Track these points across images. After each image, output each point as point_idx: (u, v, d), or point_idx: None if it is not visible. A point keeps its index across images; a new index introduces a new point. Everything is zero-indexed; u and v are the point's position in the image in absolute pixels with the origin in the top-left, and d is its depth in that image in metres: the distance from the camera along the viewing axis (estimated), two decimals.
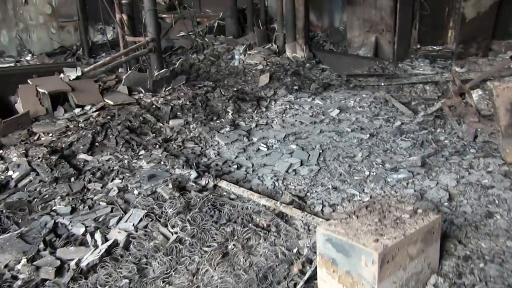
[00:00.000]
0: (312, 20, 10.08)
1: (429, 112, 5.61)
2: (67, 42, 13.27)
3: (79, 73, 6.24)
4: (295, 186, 4.06)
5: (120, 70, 8.00)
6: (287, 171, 4.36)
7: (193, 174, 4.18)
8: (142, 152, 4.92)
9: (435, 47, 8.31)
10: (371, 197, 3.76)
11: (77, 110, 5.97)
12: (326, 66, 7.70)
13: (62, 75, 6.23)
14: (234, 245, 3.16)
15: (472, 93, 5.31)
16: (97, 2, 12.41)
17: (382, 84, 7.09)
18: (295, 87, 7.18)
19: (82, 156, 4.78)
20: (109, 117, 5.78)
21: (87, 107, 6.03)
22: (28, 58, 11.31)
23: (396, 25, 8.05)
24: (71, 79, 6.17)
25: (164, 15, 11.93)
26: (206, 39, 9.35)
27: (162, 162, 4.60)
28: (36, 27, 12.92)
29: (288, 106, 6.47)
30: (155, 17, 7.04)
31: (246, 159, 4.78)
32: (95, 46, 12.42)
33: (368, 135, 5.14)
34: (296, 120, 5.88)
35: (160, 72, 6.94)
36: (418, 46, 8.38)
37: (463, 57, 7.69)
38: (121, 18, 7.50)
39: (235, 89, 6.92)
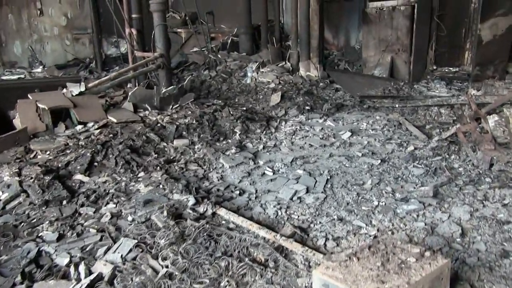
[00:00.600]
0: (328, 38, 9.91)
1: (443, 137, 5.35)
2: (81, 54, 13.35)
3: (83, 89, 6.14)
4: (298, 216, 3.83)
5: (129, 85, 7.93)
6: (291, 199, 4.14)
7: (191, 200, 3.98)
8: (142, 174, 4.75)
9: (451, 68, 8.06)
10: (378, 230, 3.52)
11: (79, 127, 5.86)
12: (339, 86, 7.49)
13: (65, 90, 6.14)
14: (227, 281, 2.94)
15: (488, 118, 5.04)
16: (111, 15, 12.51)
17: (397, 105, 6.86)
18: (307, 107, 6.98)
19: (78, 176, 4.62)
20: (111, 135, 5.64)
21: (90, 124, 5.92)
22: (39, 70, 11.34)
23: (412, 45, 7.84)
24: (74, 94, 6.07)
25: (178, 30, 11.90)
26: (219, 55, 9.22)
27: (161, 186, 4.42)
28: (50, 38, 13.01)
29: (298, 127, 6.27)
30: (164, 33, 6.94)
31: (250, 184, 4.57)
32: (108, 59, 12.42)
33: (379, 161, 4.90)
34: (305, 143, 5.66)
35: (168, 89, 6.83)
36: (435, 67, 8.14)
37: (480, 80, 7.43)
38: (130, 32, 7.41)
39: (244, 108, 6.75)
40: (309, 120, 6.60)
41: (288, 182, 4.49)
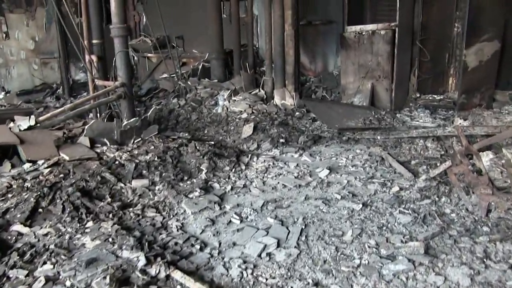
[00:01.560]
0: (305, 64, 9.50)
1: (431, 176, 4.88)
2: (50, 79, 12.80)
3: (32, 123, 5.55)
4: (267, 279, 3.28)
5: (90, 115, 7.37)
6: (259, 256, 3.59)
7: (142, 260, 3.41)
8: (90, 223, 4.16)
9: (435, 96, 7.68)
10: None
11: (27, 166, 5.25)
12: (315, 117, 7.00)
13: (12, 124, 5.54)
14: None
15: (481, 155, 4.60)
16: (79, 39, 11.98)
17: (378, 137, 6.40)
18: (281, 140, 6.48)
19: (16, 227, 4.02)
20: (61, 175, 5.06)
21: (40, 162, 5.31)
22: (0, 96, 10.70)
23: (393, 72, 7.45)
24: (22, 129, 5.46)
25: (149, 55, 11.40)
26: (188, 82, 8.71)
27: (110, 239, 3.84)
28: (16, 62, 12.42)
29: (271, 164, 5.76)
30: (126, 60, 6.42)
31: (214, 235, 4.02)
32: (76, 84, 11.85)
33: (360, 205, 4.40)
34: (278, 183, 5.14)
35: (129, 121, 6.26)
36: (418, 95, 7.74)
37: (466, 108, 7.04)
38: (90, 59, 6.87)
39: (213, 142, 6.21)
40: (284, 155, 6.09)
41: (257, 234, 3.95)
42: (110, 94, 6.44)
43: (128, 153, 5.70)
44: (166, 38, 12.40)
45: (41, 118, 5.65)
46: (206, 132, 7.25)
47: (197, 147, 5.87)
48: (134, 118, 6.35)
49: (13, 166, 5.34)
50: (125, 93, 6.42)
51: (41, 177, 5.00)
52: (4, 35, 12.28)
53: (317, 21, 8.89)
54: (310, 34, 9.28)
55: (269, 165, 5.72)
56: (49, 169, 5.19)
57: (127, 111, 6.54)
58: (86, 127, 5.94)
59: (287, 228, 4.02)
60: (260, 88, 8.23)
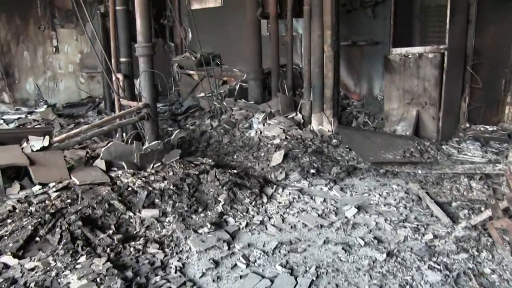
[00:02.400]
0: (349, 86, 9.02)
1: (472, 224, 4.28)
2: (96, 93, 13.09)
3: (46, 144, 5.42)
4: None
5: (117, 135, 7.22)
6: None
7: None
8: (83, 258, 3.89)
9: (488, 127, 6.96)
10: None
11: (36, 188, 5.13)
12: (350, 146, 6.49)
13: (25, 144, 5.43)
14: None
15: None
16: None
17: (419, 172, 5.82)
18: (312, 171, 6.04)
19: (4, 258, 3.82)
20: (69, 200, 4.89)
21: (51, 185, 5.18)
22: (42, 109, 10.85)
23: (441, 99, 6.83)
24: (35, 150, 5.33)
25: (191, 72, 11.28)
26: (224, 103, 8.44)
27: (98, 279, 3.55)
28: (64, 76, 12.75)
29: (297, 197, 5.34)
30: (150, 80, 6.23)
31: (213, 280, 3.65)
32: None
33: (385, 255, 3.89)
34: (299, 221, 4.71)
35: (151, 144, 6.04)
36: (468, 125, 7.06)
37: None
38: (117, 78, 6.73)
39: (235, 171, 5.85)
40: (312, 187, 5.65)
41: (260, 283, 3.53)
42: (133, 115, 6.25)
43: (143, 179, 5.46)
44: (210, 55, 12.38)
45: (55, 139, 5.51)
46: (235, 157, 6.92)
47: (217, 176, 5.53)
48: (156, 141, 6.12)
49: (22, 188, 5.24)
50: (148, 114, 6.22)
51: (47, 202, 4.85)
52: (54, 49, 12.61)
53: (362, 42, 8.41)
54: (355, 55, 8.80)
55: (293, 198, 5.30)
56: (57, 193, 5.03)
57: (150, 133, 6.33)
58: (103, 149, 5.76)
59: (296, 279, 3.58)
60: (298, 112, 7.83)
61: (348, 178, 5.89)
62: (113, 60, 6.87)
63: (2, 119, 10.57)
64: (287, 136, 7.16)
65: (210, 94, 8.94)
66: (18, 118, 10.29)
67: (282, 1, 8.23)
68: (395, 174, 5.91)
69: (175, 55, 13.15)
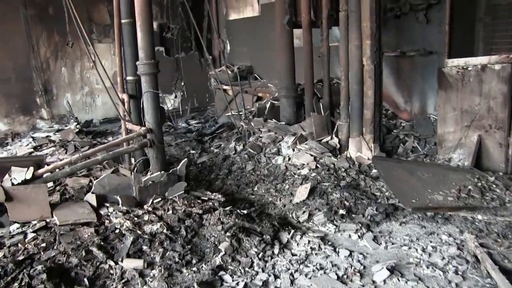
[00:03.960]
0: (399, 103, 7.86)
1: None
2: None
3: (29, 176, 4.71)
4: None
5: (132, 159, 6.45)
6: None
7: None
8: None
9: None
10: None
11: (14, 227, 4.53)
12: (387, 184, 5.32)
13: (7, 176, 4.74)
14: None
15: None
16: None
17: (479, 217, 4.63)
18: (342, 211, 4.99)
19: None
20: (44, 244, 4.23)
21: (34, 222, 4.53)
22: (72, 126, 10.37)
23: (511, 121, 5.57)
24: (16, 183, 4.63)
25: (225, 87, 10.46)
26: (252, 124, 7.51)
27: None
28: (101, 91, 12.27)
29: (317, 247, 4.33)
30: (154, 102, 5.43)
31: None
32: None
33: None
34: (311, 285, 3.68)
35: (152, 176, 5.25)
36: None
37: None
38: (122, 99, 5.97)
39: (245, 211, 4.91)
40: (339, 234, 4.61)
41: None
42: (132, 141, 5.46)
43: (136, 219, 4.68)
44: (251, 68, 11.55)
45: (40, 171, 4.79)
46: (255, 189, 6.00)
47: (221, 218, 4.60)
48: (158, 173, 5.28)
49: (1, 226, 4.58)
50: (151, 141, 5.40)
51: (19, 245, 4.18)
52: (92, 65, 12.22)
53: (413, 51, 7.26)
54: (405, 67, 7.66)
55: (312, 250, 4.30)
56: (33, 234, 4.36)
57: (154, 163, 5.53)
58: (95, 182, 4.99)
59: None
60: (333, 135, 6.77)
61: (386, 222, 4.80)
62: (118, 79, 6.12)
63: (32, 137, 10.20)
64: (318, 165, 6.13)
65: (238, 113, 8.05)
66: (46, 136, 9.85)
67: (316, 7, 7.23)
68: (447, 219, 4.74)
69: (214, 68, 12.41)
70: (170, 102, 12.02)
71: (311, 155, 6.34)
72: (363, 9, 5.95)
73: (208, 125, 10.73)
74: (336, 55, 7.04)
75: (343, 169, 6.03)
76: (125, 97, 5.94)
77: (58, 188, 5.95)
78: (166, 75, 11.78)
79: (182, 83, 12.16)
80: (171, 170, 5.42)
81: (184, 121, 11.34)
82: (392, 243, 4.36)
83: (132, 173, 5.27)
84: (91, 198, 4.91)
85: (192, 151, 7.88)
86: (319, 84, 7.87)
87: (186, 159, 5.60)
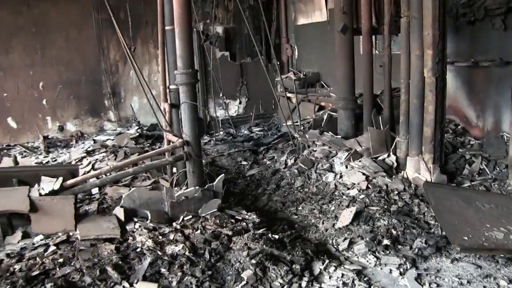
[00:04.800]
0: (470, 118, 7.15)
1: None
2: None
3: (57, 187, 4.68)
4: None
5: (174, 169, 6.32)
6: None
7: None
8: None
9: None
10: None
11: (38, 239, 4.53)
12: (436, 215, 4.71)
13: (36, 186, 4.75)
14: None
15: None
16: (220, 74, 11.34)
17: None
18: (386, 241, 4.51)
19: None
20: (61, 259, 4.15)
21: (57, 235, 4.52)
22: (132, 131, 10.51)
23: None
24: (43, 193, 4.62)
25: (290, 94, 10.14)
26: (306, 136, 7.14)
27: None
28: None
29: (350, 283, 3.92)
30: (192, 113, 5.24)
31: None
32: (215, 122, 11.14)
33: None
34: None
35: (185, 191, 5.07)
36: None
37: None
38: (164, 108, 5.85)
39: (277, 236, 4.56)
40: (379, 268, 4.16)
41: None
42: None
43: (160, 237, 4.49)
44: (318, 75, 11.13)
45: (69, 182, 4.75)
46: (300, 208, 5.63)
47: (248, 243, 4.30)
48: (192, 188, 5.09)
49: (27, 236, 4.61)
50: (188, 154, 5.21)
51: (37, 259, 4.15)
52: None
53: (488, 61, 6.51)
54: (478, 79, 6.93)
55: (344, 285, 3.87)
56: (53, 248, 4.34)
57: (191, 177, 5.34)
58: (124, 195, 4.89)
59: None
60: (391, 152, 6.24)
61: (436, 257, 4.27)
62: (161, 88, 6.01)
63: (94, 139, 10.47)
64: (369, 186, 5.66)
65: (293, 123, 7.70)
66: (107, 140, 10.05)
67: (379, 12, 6.73)
68: (510, 259, 4.12)
69: (280, 74, 12.09)
70: (234, 108, 11.89)
71: (364, 174, 5.87)
72: (425, 16, 5.39)
73: (270, 133, 10.47)
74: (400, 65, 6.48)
75: (396, 192, 5.50)
76: (166, 106, 5.82)
77: (98, 196, 5.97)
78: (230, 81, 11.65)
79: (246, 89, 11.97)
80: (206, 186, 5.21)
81: (247, 128, 11.15)
82: (438, 285, 3.84)
83: (165, 187, 5.11)
84: (119, 212, 4.81)
85: (243, 162, 7.65)
86: (381, 95, 7.33)
87: (223, 174, 5.36)
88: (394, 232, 4.67)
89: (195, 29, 10.96)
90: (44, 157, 9.52)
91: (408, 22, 5.78)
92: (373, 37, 7.29)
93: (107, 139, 10.04)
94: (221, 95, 11.41)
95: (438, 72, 5.43)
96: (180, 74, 5.13)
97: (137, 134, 10.24)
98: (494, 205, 4.50)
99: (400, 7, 6.08)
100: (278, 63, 12.19)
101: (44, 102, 10.96)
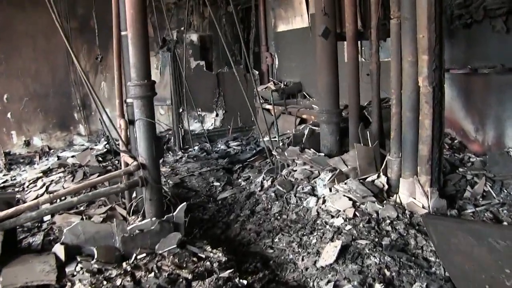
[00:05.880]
0: (468, 131, 6.44)
1: None
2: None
3: None
4: None
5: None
6: None
7: None
8: None
9: None
10: None
11: None
12: (439, 255, 3.91)
13: None
14: None
15: None
16: (195, 84, 10.55)
17: None
18: (379, 285, 3.70)
19: None
20: None
21: None
22: (100, 147, 9.63)
23: None
24: None
25: (268, 106, 9.38)
26: (285, 153, 6.34)
27: None
28: None
29: None
30: (149, 132, 4.42)
31: None
32: (190, 136, 10.30)
33: None
34: None
35: (139, 224, 4.23)
36: None
37: None
38: (120, 125, 5.02)
39: (246, 281, 3.73)
40: None
41: None
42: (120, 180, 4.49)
43: (105, 282, 3.63)
44: (300, 85, 10.37)
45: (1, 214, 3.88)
46: (276, 240, 4.82)
47: None
48: (148, 220, 4.27)
49: None
50: (144, 179, 4.38)
51: None
52: None
53: (487, 68, 5.81)
54: (477, 87, 6.23)
55: None
56: None
57: (149, 205, 4.50)
58: (65, 230, 4.05)
59: None
60: (381, 173, 5.46)
61: None
62: (117, 102, 5.18)
63: (58, 156, 9.58)
64: (356, 213, 4.86)
65: (271, 139, 6.90)
66: (73, 156, 9.15)
67: (365, 15, 5.99)
68: None
69: (260, 84, 11.31)
70: (211, 121, 11.06)
71: (350, 199, 5.07)
72: (419, 16, 4.64)
73: (249, 148, 9.66)
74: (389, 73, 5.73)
75: (388, 221, 4.70)
76: (122, 123, 4.98)
77: (45, 226, 5.14)
78: (206, 92, 10.85)
79: (224, 101, 11.17)
80: (165, 217, 4.38)
81: (224, 142, 10.34)
82: None
83: (115, 219, 4.27)
84: (58, 250, 3.97)
85: (216, 183, 6.82)
86: (369, 106, 6.58)
87: (185, 203, 4.52)
88: (387, 272, 3.88)
89: (168, 37, 10.19)
90: (4, 175, 8.65)
91: (399, 24, 5.04)
92: (359, 42, 6.55)
93: (73, 155, 9.16)
94: (196, 107, 10.60)
95: (436, 81, 4.67)
96: (134, 86, 4.32)
97: (105, 150, 9.40)
98: (508, 242, 3.71)
99: (389, 8, 5.35)
100: (258, 72, 11.45)
101: (8, 115, 10.13)
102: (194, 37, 10.75)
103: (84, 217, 5.10)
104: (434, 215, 4.55)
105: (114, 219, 4.35)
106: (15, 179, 7.93)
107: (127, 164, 5.03)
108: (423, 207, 4.84)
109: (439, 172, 4.99)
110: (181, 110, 10.29)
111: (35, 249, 4.51)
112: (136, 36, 4.27)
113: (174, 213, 4.41)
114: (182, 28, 10.33)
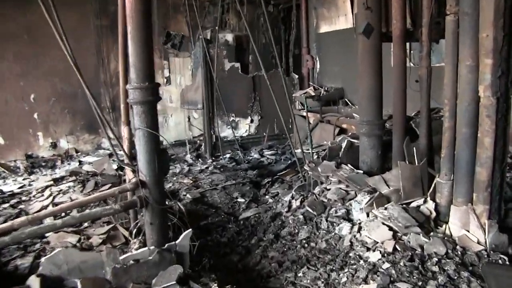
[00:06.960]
0: None
1: None
2: None
3: None
4: None
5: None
6: None
7: None
8: None
9: None
10: None
11: None
12: None
13: None
14: None
15: None
16: (229, 88, 9.96)
17: None
18: None
19: None
20: None
21: None
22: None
23: None
24: None
25: (304, 113, 8.66)
26: (319, 169, 5.61)
27: None
28: (176, 110, 11.11)
29: None
30: (150, 143, 3.78)
31: None
32: (221, 142, 9.70)
33: None
34: None
35: (135, 253, 3.60)
36: None
37: None
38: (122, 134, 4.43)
39: None
40: None
41: None
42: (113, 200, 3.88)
43: None
44: (342, 91, 9.59)
45: None
46: (300, 274, 4.09)
47: None
48: (145, 249, 3.64)
49: None
50: (144, 199, 3.75)
51: None
52: (165, 80, 11.10)
53: None
54: None
55: None
56: None
57: (150, 231, 3.87)
58: (43, 259, 3.47)
59: None
60: (429, 197, 4.64)
61: None
62: (122, 106, 4.60)
63: (80, 161, 9.21)
64: (397, 247, 4.08)
65: (303, 151, 6.19)
66: (90, 163, 8.74)
67: (415, 10, 5.19)
68: None
69: (299, 89, 10.59)
70: (245, 127, 10.42)
71: (390, 229, 4.29)
72: (483, 10, 3.83)
73: (284, 158, 8.96)
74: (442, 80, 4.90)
75: (435, 258, 3.89)
76: (126, 131, 4.38)
77: (37, 246, 4.61)
78: (241, 96, 10.23)
79: (259, 106, 10.52)
80: (166, 245, 3.73)
81: (258, 151, 9.67)
82: None
83: (105, 247, 3.66)
84: (34, 282, 3.38)
85: (240, 199, 6.17)
86: (417, 118, 5.76)
87: (190, 230, 3.86)
88: None
89: (200, 37, 9.62)
90: (24, 179, 8.32)
91: (456, 21, 4.23)
92: (407, 44, 5.74)
93: (90, 162, 8.75)
94: (229, 112, 9.99)
95: (501, 90, 3.84)
96: (133, 90, 3.71)
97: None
98: None
99: (444, 3, 4.54)
100: (297, 76, 10.75)
101: (35, 116, 9.85)
102: (229, 37, 10.16)
103: (82, 237, 4.54)
104: (496, 263, 3.69)
105: (105, 248, 3.74)
106: (32, 185, 7.54)
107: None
108: (479, 243, 4.01)
109: (500, 201, 4.14)
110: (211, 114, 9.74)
111: (21, 273, 3.97)
112: (136, 29, 3.67)
113: (177, 241, 3.76)
114: (217, 27, 9.76)
